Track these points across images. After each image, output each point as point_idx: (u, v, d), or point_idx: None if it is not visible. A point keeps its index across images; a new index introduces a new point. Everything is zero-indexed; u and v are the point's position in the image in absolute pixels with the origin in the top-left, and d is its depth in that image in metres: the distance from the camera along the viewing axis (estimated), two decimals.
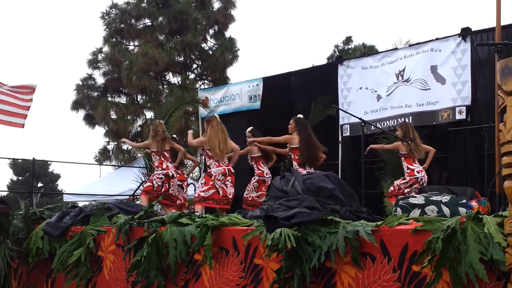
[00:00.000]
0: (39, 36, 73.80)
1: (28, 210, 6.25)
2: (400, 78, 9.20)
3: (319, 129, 9.71)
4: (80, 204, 13.20)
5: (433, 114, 8.64)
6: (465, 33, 8.40)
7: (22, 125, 8.48)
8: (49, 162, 38.68)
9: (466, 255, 3.13)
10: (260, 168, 8.63)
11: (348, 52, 26.60)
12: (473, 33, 8.39)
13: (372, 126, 8.52)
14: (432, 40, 8.90)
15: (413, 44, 9.31)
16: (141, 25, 22.55)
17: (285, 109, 10.44)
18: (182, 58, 22.62)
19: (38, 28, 75.86)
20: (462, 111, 8.25)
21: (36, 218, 6.25)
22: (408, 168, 7.73)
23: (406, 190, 7.59)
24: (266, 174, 8.61)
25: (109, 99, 22.46)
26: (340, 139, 9.72)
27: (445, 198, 4.81)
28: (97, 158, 23.34)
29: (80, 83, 22.63)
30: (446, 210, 4.61)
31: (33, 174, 15.03)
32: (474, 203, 5.22)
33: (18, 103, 8.39)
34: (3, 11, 74.40)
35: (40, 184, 41.04)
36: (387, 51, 9.70)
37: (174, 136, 10.16)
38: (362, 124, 7.14)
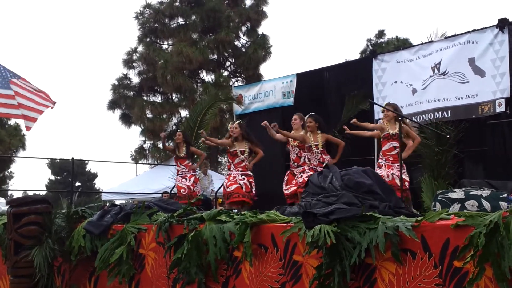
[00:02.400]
0: (76, 38, 75.04)
1: (70, 209, 6.37)
2: (436, 71, 9.08)
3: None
4: (118, 203, 13.40)
5: (472, 108, 8.51)
6: (503, 24, 8.25)
7: (29, 128, 8.47)
8: (86, 162, 39.30)
9: (509, 250, 3.09)
10: None
11: (381, 46, 26.34)
12: (511, 23, 8.23)
13: (409, 120, 8.42)
14: (468, 32, 8.76)
15: (449, 36, 9.18)
16: (174, 24, 22.72)
17: (319, 104, 10.40)
18: (216, 56, 22.73)
19: (75, 30, 77.17)
20: (501, 103, 8.11)
21: (78, 217, 6.35)
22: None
23: None
24: None
25: (145, 98, 22.71)
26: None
27: (485, 192, 4.75)
28: (133, 156, 23.63)
29: (116, 83, 22.96)
30: (486, 205, 4.56)
31: (73, 174, 15.30)
32: None
33: (34, 106, 8.42)
34: (41, 13, 75.83)
35: (78, 183, 41.74)
36: (422, 44, 9.58)
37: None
38: (400, 118, 7.07)
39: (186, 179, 9.47)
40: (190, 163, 9.50)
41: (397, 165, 7.18)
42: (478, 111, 8.42)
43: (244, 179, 8.29)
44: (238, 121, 8.78)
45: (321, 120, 8.23)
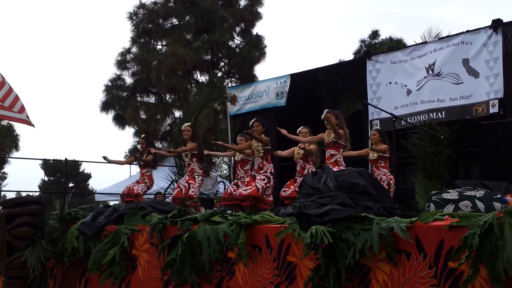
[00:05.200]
0: (68, 39, 74.80)
1: (63, 210, 6.34)
2: (430, 72, 9.10)
3: (346, 124, 9.68)
4: (111, 203, 13.34)
5: (466, 108, 8.53)
6: (496, 25, 8.28)
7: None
8: (79, 162, 39.20)
9: (504, 250, 3.09)
10: None
11: (375, 47, 26.29)
12: (505, 24, 8.26)
13: (403, 121, 8.44)
14: (462, 33, 8.79)
15: (443, 37, 9.20)
16: (168, 25, 22.62)
17: (313, 105, 10.40)
18: (210, 57, 22.66)
19: (67, 30, 76.90)
20: (495, 104, 8.14)
21: (71, 218, 6.31)
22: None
23: None
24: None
25: (138, 99, 22.59)
26: (370, 135, 9.65)
27: (479, 193, 4.74)
28: (127, 157, 23.51)
29: (109, 84, 22.78)
30: (480, 205, 4.55)
31: (66, 175, 15.25)
32: (509, 198, 5.13)
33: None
34: (32, 14, 75.58)
35: (71, 184, 41.58)
36: (416, 44, 9.60)
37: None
38: (394, 119, 7.07)
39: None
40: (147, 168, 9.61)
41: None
42: (472, 112, 8.44)
43: (185, 180, 8.22)
44: (189, 124, 8.71)
45: (267, 125, 8.04)
